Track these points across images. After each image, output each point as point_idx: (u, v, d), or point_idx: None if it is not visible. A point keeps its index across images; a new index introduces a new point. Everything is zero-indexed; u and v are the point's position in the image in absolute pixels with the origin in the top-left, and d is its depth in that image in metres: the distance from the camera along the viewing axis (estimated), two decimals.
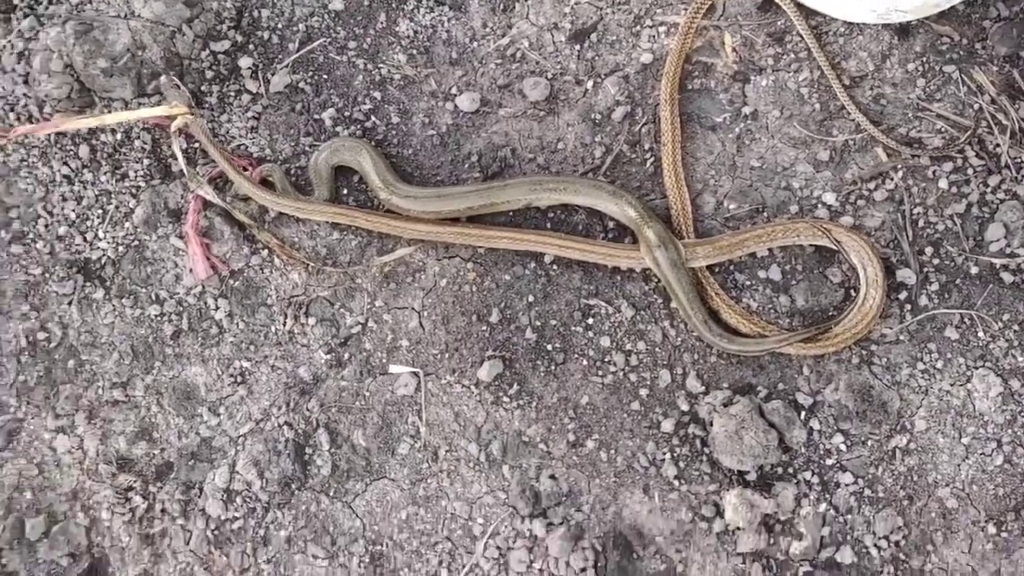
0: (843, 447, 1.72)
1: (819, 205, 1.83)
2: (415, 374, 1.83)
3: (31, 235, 1.95)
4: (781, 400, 1.73)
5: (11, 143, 1.93)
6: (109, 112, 1.92)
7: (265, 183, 1.91)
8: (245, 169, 1.90)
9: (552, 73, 1.95)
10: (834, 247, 1.74)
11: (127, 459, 1.84)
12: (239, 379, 1.86)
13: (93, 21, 1.91)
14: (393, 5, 2.01)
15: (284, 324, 1.87)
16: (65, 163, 1.95)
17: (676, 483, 1.73)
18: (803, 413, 1.73)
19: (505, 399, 1.80)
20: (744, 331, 1.74)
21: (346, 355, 1.85)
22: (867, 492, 1.69)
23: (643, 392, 1.78)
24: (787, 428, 1.69)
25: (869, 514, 1.68)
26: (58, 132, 1.93)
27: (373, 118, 1.97)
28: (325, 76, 1.99)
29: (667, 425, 1.75)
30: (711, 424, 1.72)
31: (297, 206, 1.86)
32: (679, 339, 1.80)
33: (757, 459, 1.66)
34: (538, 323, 1.83)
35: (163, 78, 1.88)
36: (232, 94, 1.97)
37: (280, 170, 1.91)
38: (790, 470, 1.72)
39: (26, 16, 2.02)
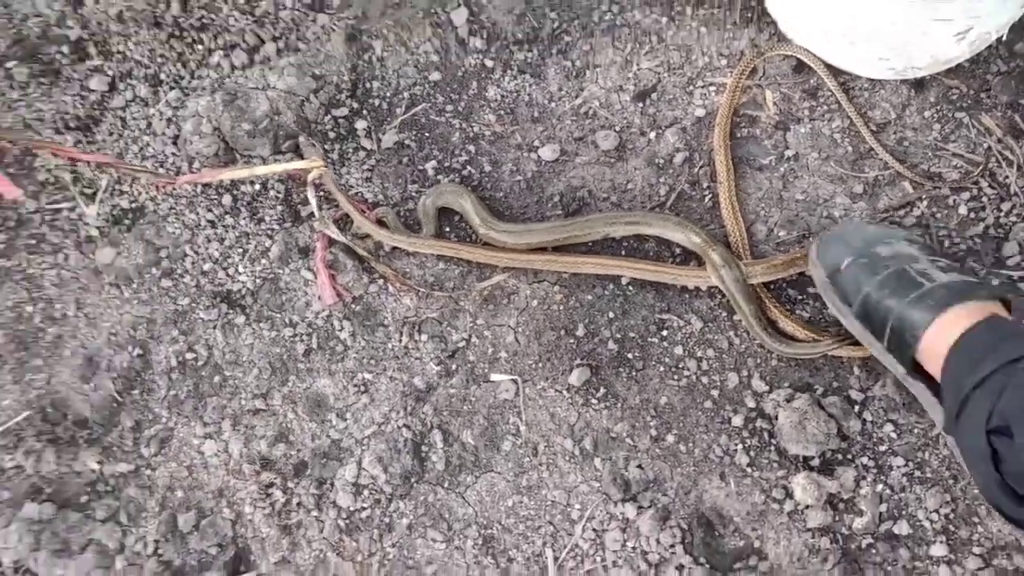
0: (893, 435, 1.98)
1: None
2: (514, 381, 2.12)
3: (179, 271, 2.29)
4: (837, 396, 2.00)
5: (175, 188, 2.28)
6: (254, 166, 2.28)
7: (381, 223, 2.24)
8: (364, 212, 2.24)
9: (620, 127, 2.31)
10: None
11: (268, 460, 2.12)
12: (362, 389, 2.15)
13: (237, 91, 2.29)
14: (482, 75, 2.39)
15: (400, 341, 2.17)
16: (209, 210, 2.30)
17: (748, 470, 1.99)
18: (856, 406, 2.00)
19: (594, 401, 2.09)
20: (800, 337, 2.03)
21: (454, 366, 2.15)
22: (917, 473, 1.95)
23: (714, 393, 2.06)
24: (844, 419, 1.96)
25: (920, 492, 1.93)
26: (205, 183, 2.29)
27: (469, 167, 2.31)
28: (427, 134, 2.35)
29: (737, 420, 2.02)
30: (776, 418, 1.99)
31: (409, 242, 2.19)
32: (743, 346, 2.09)
33: (820, 445, 1.92)
34: (618, 335, 2.13)
35: (302, 138, 2.25)
36: (350, 151, 2.33)
37: (393, 213, 2.24)
38: (849, 455, 1.98)
39: (172, 89, 2.42)
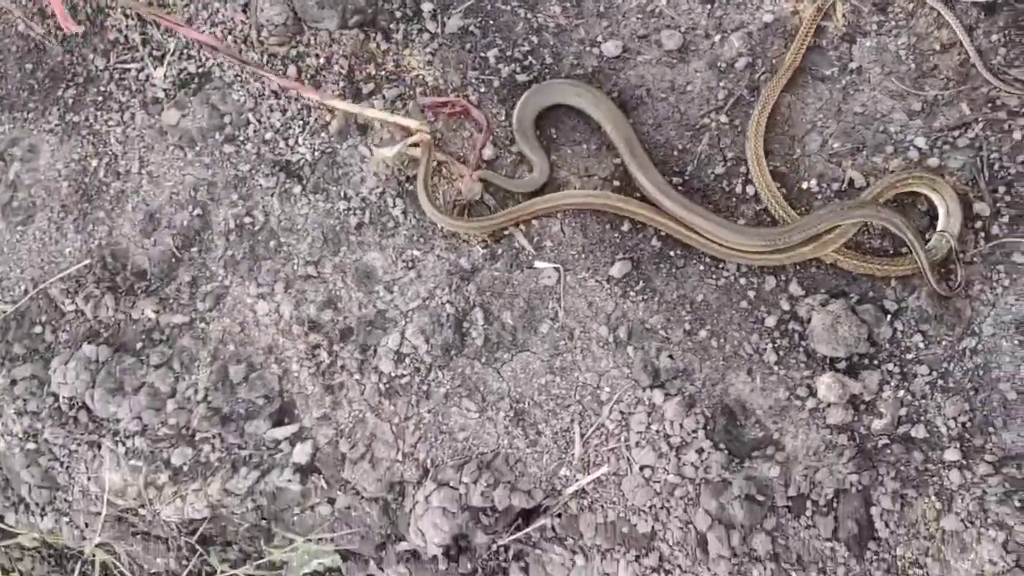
0: (921, 345, 2.04)
1: (911, 147, 2.15)
2: (556, 269, 2.19)
3: (241, 138, 2.36)
4: (871, 304, 2.05)
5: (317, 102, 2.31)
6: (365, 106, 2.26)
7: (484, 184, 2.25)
8: (477, 164, 2.21)
9: (685, 27, 2.31)
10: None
11: (316, 323, 2.23)
12: (410, 265, 2.23)
13: None
14: None
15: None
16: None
17: (775, 368, 2.06)
18: (889, 315, 2.05)
19: (632, 293, 2.15)
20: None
21: (499, 250, 2.22)
22: (940, 382, 2.01)
23: (751, 294, 2.12)
24: (876, 325, 2.02)
25: (940, 400, 1.99)
26: (322, 104, 2.29)
27: (530, 58, 2.34)
28: (491, 21, 2.36)
29: (770, 321, 2.09)
30: (809, 320, 2.05)
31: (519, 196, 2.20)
32: None
33: (849, 348, 1.99)
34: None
35: (412, 103, 2.25)
36: (415, 32, 2.36)
37: (495, 174, 2.23)
38: (875, 361, 2.04)
39: None
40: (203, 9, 2.43)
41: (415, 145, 2.20)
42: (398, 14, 2.36)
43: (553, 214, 2.20)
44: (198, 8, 2.43)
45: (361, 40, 2.35)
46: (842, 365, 2.03)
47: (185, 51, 2.42)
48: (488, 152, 2.26)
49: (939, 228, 2.04)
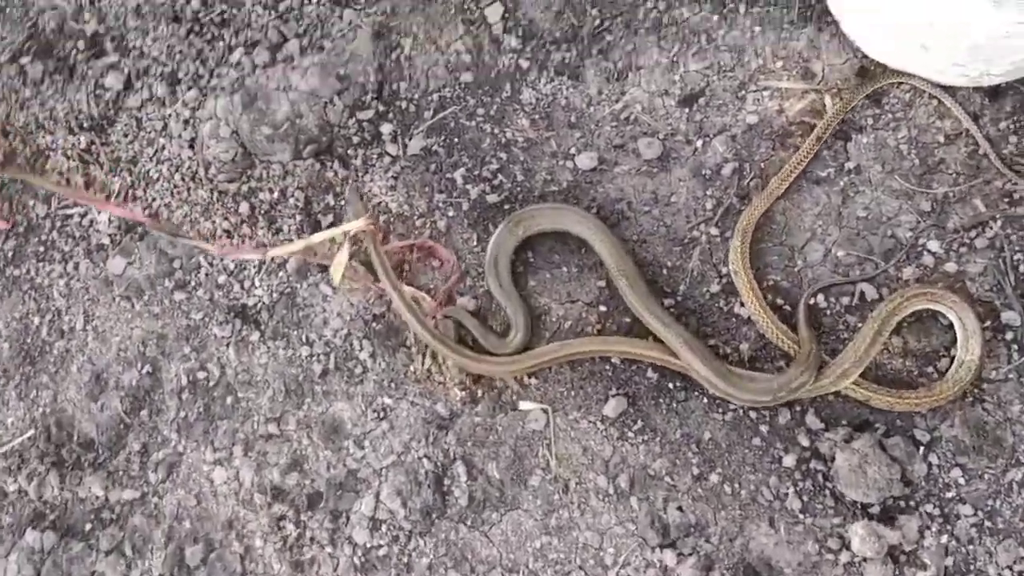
0: (961, 480, 1.79)
1: (924, 252, 1.95)
2: (544, 410, 1.96)
3: (192, 283, 2.16)
4: (900, 436, 1.82)
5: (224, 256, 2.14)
6: (308, 237, 2.07)
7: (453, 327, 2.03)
8: (443, 304, 2.03)
9: (664, 134, 2.13)
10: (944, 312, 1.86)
11: (280, 489, 2.00)
12: (382, 415, 2.01)
13: (257, 92, 2.16)
14: (517, 76, 2.22)
15: (422, 364, 2.03)
16: (226, 218, 2.17)
17: (801, 516, 1.81)
18: (922, 449, 1.82)
19: (630, 434, 1.92)
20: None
21: (480, 392, 2.00)
22: (987, 524, 1.76)
23: (763, 428, 1.89)
24: (908, 462, 1.78)
25: (991, 545, 1.74)
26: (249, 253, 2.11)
27: (500, 176, 2.16)
28: (456, 140, 2.19)
29: (789, 460, 1.85)
30: (833, 459, 1.81)
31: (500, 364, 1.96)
32: None
33: (881, 492, 1.75)
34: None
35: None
36: (375, 157, 2.19)
37: (468, 316, 2.01)
38: (912, 503, 1.79)
39: (190, 88, 2.29)
40: (147, 146, 2.27)
41: (358, 243, 2.01)
42: (355, 139, 2.19)
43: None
44: (142, 145, 2.27)
45: (317, 170, 2.18)
46: (875, 510, 1.79)
47: (131, 191, 2.25)
48: (468, 304, 2.05)
49: (957, 356, 1.82)
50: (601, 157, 2.14)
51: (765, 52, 2.15)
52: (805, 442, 1.86)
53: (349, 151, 2.19)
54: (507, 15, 2.26)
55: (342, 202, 2.14)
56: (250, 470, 2.01)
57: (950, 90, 2.05)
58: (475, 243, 2.11)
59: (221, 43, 2.31)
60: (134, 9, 2.37)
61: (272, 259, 2.11)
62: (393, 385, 2.03)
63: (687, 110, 2.15)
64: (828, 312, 1.95)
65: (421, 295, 2.04)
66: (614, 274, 1.99)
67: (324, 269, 2.11)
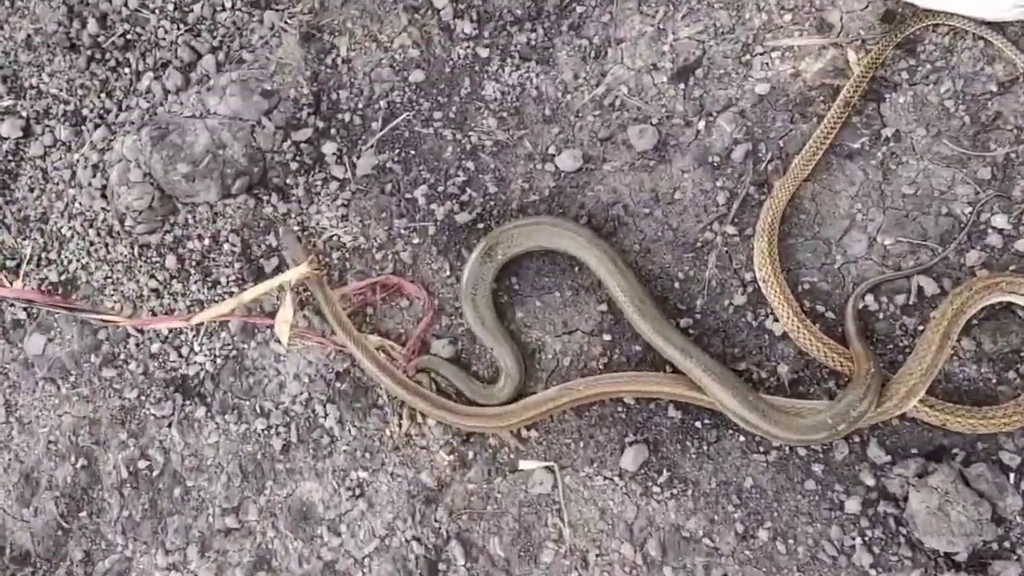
0: None
1: (990, 230, 1.60)
2: (549, 468, 1.64)
3: (122, 356, 1.84)
4: (984, 463, 1.48)
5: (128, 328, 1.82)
6: (241, 294, 1.77)
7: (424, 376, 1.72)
8: (417, 351, 1.72)
9: (657, 118, 1.78)
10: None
11: None
12: (357, 492, 1.69)
13: (168, 124, 1.82)
14: (476, 68, 1.87)
15: (399, 426, 1.70)
16: (152, 276, 1.85)
17: (873, 573, 1.48)
18: (1012, 475, 1.48)
19: (655, 489, 1.60)
20: None
21: (470, 453, 1.68)
22: None
23: (816, 468, 1.55)
24: (999, 496, 1.45)
25: None
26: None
27: (469, 190, 1.82)
28: (413, 152, 1.85)
29: (852, 505, 1.52)
30: (906, 500, 1.48)
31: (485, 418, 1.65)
32: None
33: (970, 537, 1.41)
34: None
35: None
36: (319, 183, 1.85)
37: (446, 364, 1.71)
38: (1007, 544, 1.46)
39: (97, 127, 1.95)
40: (56, 200, 1.93)
41: (302, 289, 1.69)
42: (294, 165, 1.85)
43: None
44: (51, 199, 1.94)
45: (252, 207, 1.84)
46: (962, 557, 1.45)
47: (44, 255, 1.92)
48: (444, 348, 1.72)
49: None
50: (586, 154, 1.79)
51: (769, 4, 1.78)
52: (870, 481, 1.52)
53: (288, 180, 1.85)
54: None
55: (281, 251, 1.80)
56: (209, 573, 1.70)
57: (998, 27, 1.68)
58: (448, 273, 1.78)
59: (127, 69, 1.97)
60: (24, 41, 2.03)
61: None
62: (368, 455, 1.71)
63: (682, 86, 1.79)
64: (881, 315, 1.61)
65: (389, 344, 1.72)
66: (616, 295, 1.65)
67: (273, 325, 1.78)
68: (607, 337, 1.70)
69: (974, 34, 1.69)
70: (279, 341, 1.69)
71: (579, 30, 1.85)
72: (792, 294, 1.61)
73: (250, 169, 1.82)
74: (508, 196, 1.81)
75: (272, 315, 1.75)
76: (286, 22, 1.94)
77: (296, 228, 1.82)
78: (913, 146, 1.67)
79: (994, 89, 1.66)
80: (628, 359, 1.68)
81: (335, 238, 1.82)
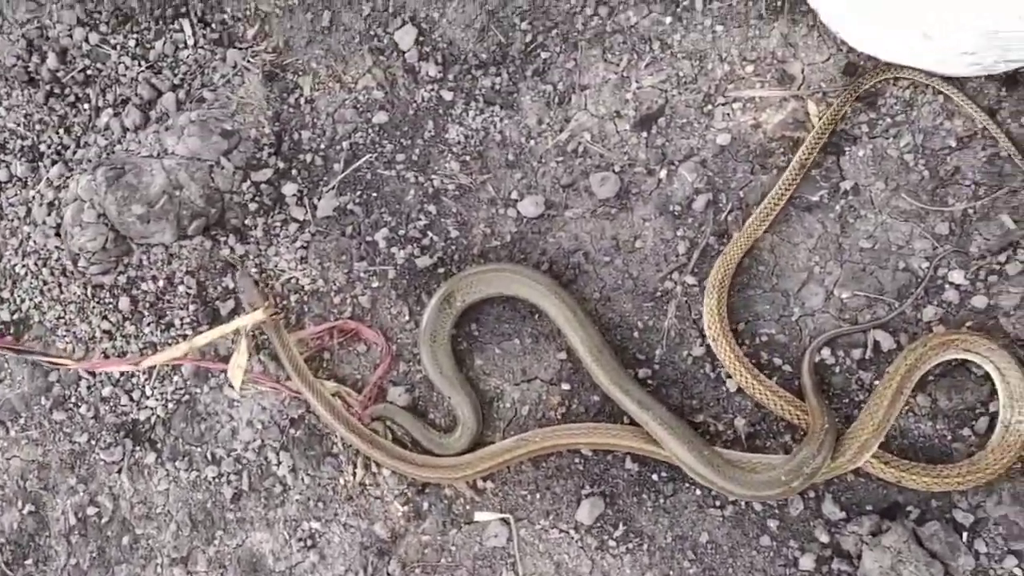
0: (1018, 571, 1.46)
1: (946, 286, 1.61)
2: (505, 521, 1.62)
3: (73, 399, 1.80)
4: (938, 521, 1.48)
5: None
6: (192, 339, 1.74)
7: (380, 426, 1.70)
8: (373, 399, 1.70)
9: (620, 166, 1.78)
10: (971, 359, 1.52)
11: None
12: (309, 543, 1.66)
13: (124, 164, 1.79)
14: (440, 111, 1.86)
15: (354, 475, 1.67)
16: (105, 317, 1.81)
17: None
18: (966, 534, 1.48)
19: (611, 543, 1.58)
20: None
21: (425, 504, 1.65)
22: None
23: (772, 524, 1.54)
24: (951, 556, 1.44)
25: None
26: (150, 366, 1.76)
27: (430, 234, 1.80)
28: (374, 194, 1.84)
29: (807, 562, 1.51)
30: (859, 558, 1.47)
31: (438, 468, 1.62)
32: None
33: None
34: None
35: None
36: (278, 225, 1.83)
37: (402, 412, 1.68)
38: None
39: (54, 163, 1.93)
40: (11, 237, 1.90)
41: (258, 333, 1.67)
42: (253, 206, 1.83)
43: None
44: (4, 237, 1.90)
45: (208, 248, 1.82)
46: None
47: None
48: (401, 396, 1.70)
49: (1001, 417, 1.48)
50: (548, 200, 1.79)
51: (731, 55, 1.79)
52: (824, 538, 1.51)
53: (246, 221, 1.83)
54: (422, 38, 1.89)
55: (238, 294, 1.77)
56: None
57: (958, 82, 1.70)
58: (407, 318, 1.76)
59: (86, 105, 1.95)
60: None
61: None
62: (321, 505, 1.67)
63: (645, 134, 1.79)
64: (837, 369, 1.61)
65: (345, 390, 1.69)
66: (574, 344, 1.64)
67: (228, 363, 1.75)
68: (566, 386, 1.69)
69: (934, 89, 1.70)
70: (232, 386, 1.66)
71: (543, 76, 1.85)
72: (742, 354, 1.60)
73: (207, 210, 1.80)
74: (470, 241, 1.79)
75: (226, 359, 1.72)
76: (249, 61, 1.93)
77: (254, 270, 1.79)
78: (872, 200, 1.67)
79: (953, 144, 1.67)
80: (587, 409, 1.67)
81: (293, 280, 1.80)
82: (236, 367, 1.63)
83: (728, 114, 1.77)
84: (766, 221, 1.64)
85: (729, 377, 1.61)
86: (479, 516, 1.62)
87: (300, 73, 1.92)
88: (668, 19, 1.82)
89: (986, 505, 1.49)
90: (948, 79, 1.69)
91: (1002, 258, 1.60)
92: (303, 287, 1.79)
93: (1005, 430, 1.46)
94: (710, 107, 1.78)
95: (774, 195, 1.65)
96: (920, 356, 1.50)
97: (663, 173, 1.76)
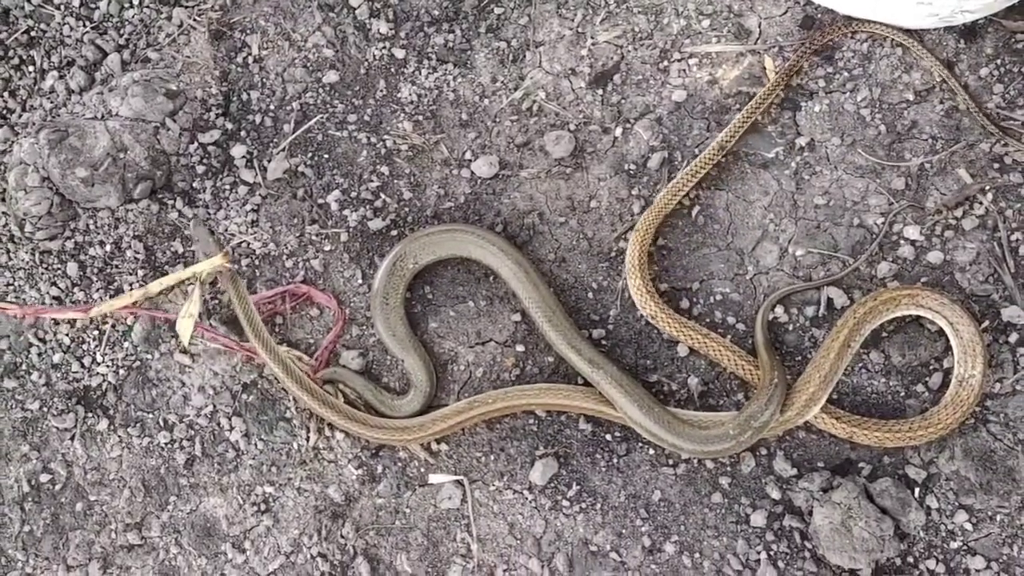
0: (968, 526, 1.46)
1: (902, 242, 1.59)
2: (459, 483, 1.61)
3: (24, 366, 1.78)
4: (890, 477, 1.48)
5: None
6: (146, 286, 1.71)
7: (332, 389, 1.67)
8: (326, 362, 1.67)
9: (575, 124, 1.75)
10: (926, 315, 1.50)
11: None
12: (263, 507, 1.65)
13: (68, 127, 1.75)
14: (392, 70, 1.82)
15: (307, 439, 1.66)
16: (53, 283, 1.78)
17: None
18: (917, 490, 1.48)
19: (564, 503, 1.57)
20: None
21: (379, 467, 1.64)
22: None
23: (724, 481, 1.54)
24: (902, 512, 1.44)
25: None
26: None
27: (383, 196, 1.77)
28: (326, 156, 1.80)
29: (758, 519, 1.51)
30: (811, 514, 1.47)
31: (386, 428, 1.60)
32: None
33: (872, 553, 1.41)
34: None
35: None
36: (227, 187, 1.79)
37: (355, 376, 1.66)
38: (910, 559, 1.46)
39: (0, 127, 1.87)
40: None
41: (211, 284, 1.66)
42: (200, 168, 1.79)
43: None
44: None
45: (156, 212, 1.78)
46: (865, 573, 1.45)
47: None
48: (354, 360, 1.68)
49: (955, 372, 1.47)
50: (503, 160, 1.75)
51: (688, 10, 1.75)
52: (776, 494, 1.51)
53: (194, 184, 1.79)
54: None
55: (192, 246, 1.74)
56: None
57: (916, 35, 1.67)
58: (360, 281, 1.73)
59: (31, 68, 1.89)
60: None
61: (102, 321, 1.72)
62: (274, 469, 1.66)
63: (600, 91, 1.75)
64: (791, 327, 1.60)
65: (297, 354, 1.67)
66: (528, 306, 1.62)
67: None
68: (520, 348, 1.67)
69: (892, 41, 1.67)
70: (180, 338, 1.64)
71: (497, 32, 1.81)
72: (675, 313, 1.57)
73: (153, 173, 1.76)
74: (423, 202, 1.76)
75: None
76: (195, 19, 1.87)
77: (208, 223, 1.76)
78: (828, 156, 1.65)
79: (911, 98, 1.65)
80: (541, 370, 1.66)
81: (244, 244, 1.76)
82: (186, 317, 1.60)
83: (684, 70, 1.73)
84: (676, 197, 1.61)
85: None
86: (433, 478, 1.61)
87: (248, 31, 1.86)
88: None
89: (938, 461, 1.49)
90: (907, 32, 1.66)
91: (958, 213, 1.58)
92: (254, 251, 1.76)
93: (959, 385, 1.46)
94: (666, 63, 1.74)
95: (705, 155, 1.62)
96: (869, 310, 1.49)
97: (618, 131, 1.73)
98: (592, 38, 1.77)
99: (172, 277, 1.67)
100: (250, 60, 1.85)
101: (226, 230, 1.77)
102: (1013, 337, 1.51)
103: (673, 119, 1.71)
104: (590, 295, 1.68)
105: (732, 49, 1.72)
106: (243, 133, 1.82)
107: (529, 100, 1.77)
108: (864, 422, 1.47)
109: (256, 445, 1.67)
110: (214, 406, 1.69)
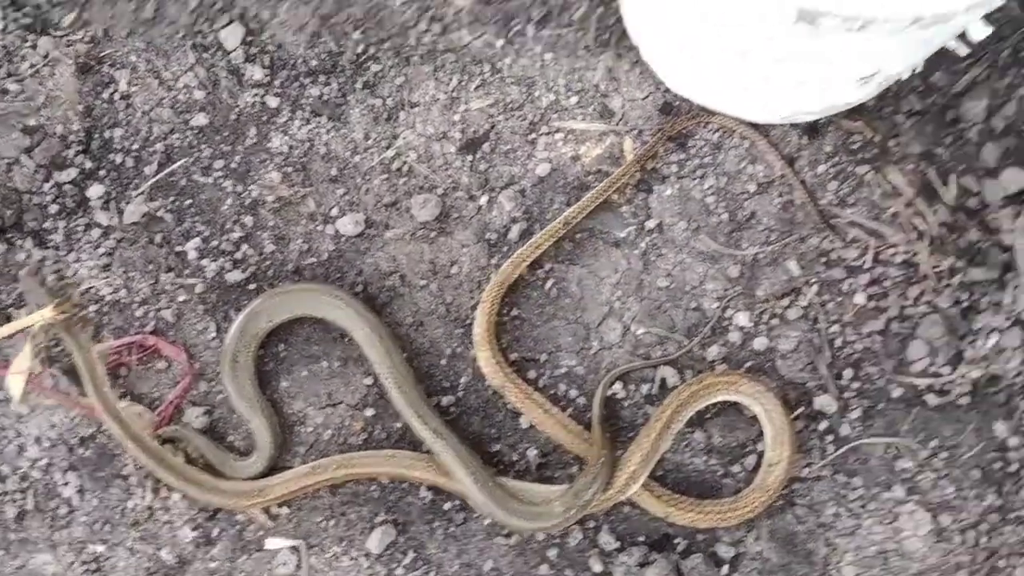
0: None
1: (731, 327, 1.69)
2: (295, 548, 1.62)
3: None
4: (701, 554, 1.57)
5: None
6: None
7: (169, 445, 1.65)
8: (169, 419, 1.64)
9: (443, 188, 1.78)
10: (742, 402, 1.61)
11: None
12: (94, 567, 1.62)
13: None
14: (264, 118, 1.81)
15: (143, 499, 1.63)
16: None
17: None
18: (725, 568, 1.57)
19: (399, 570, 1.61)
20: None
21: (216, 530, 1.63)
22: None
23: (551, 553, 1.60)
24: None
25: None
26: None
27: (244, 247, 1.76)
28: (188, 201, 1.77)
29: None
30: None
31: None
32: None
33: None
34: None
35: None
36: (80, 229, 1.75)
37: (196, 435, 1.64)
38: None
39: None
40: None
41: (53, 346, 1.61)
42: (53, 208, 1.74)
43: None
44: None
45: (3, 252, 1.72)
46: None
47: None
48: (198, 417, 1.67)
49: (765, 457, 1.58)
50: (369, 219, 1.77)
51: (558, 85, 1.81)
52: (598, 567, 1.58)
53: (46, 224, 1.74)
54: (250, 39, 1.83)
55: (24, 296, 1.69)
56: None
57: (763, 129, 1.77)
58: (213, 335, 1.72)
59: None
60: None
61: None
62: (108, 528, 1.63)
63: (470, 158, 1.79)
64: (627, 403, 1.67)
65: (139, 410, 1.64)
66: (379, 371, 1.65)
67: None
68: (370, 411, 1.69)
69: (740, 134, 1.77)
70: (11, 395, 1.59)
71: (374, 89, 1.82)
72: (529, 386, 1.64)
73: (2, 212, 1.70)
74: (285, 256, 1.76)
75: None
76: (63, 50, 1.82)
77: (53, 274, 1.71)
78: (674, 239, 1.74)
79: (752, 189, 1.75)
80: (389, 435, 1.68)
81: (93, 290, 1.72)
82: (16, 372, 1.55)
83: (550, 144, 1.79)
84: (517, 269, 1.66)
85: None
86: (270, 543, 1.62)
87: (117, 66, 1.82)
88: (500, 42, 1.82)
89: (746, 540, 1.59)
90: (754, 125, 1.76)
91: (784, 303, 1.69)
92: (103, 297, 1.72)
93: (768, 469, 1.56)
94: (534, 135, 1.80)
95: (550, 229, 1.67)
96: (691, 395, 1.57)
97: (484, 199, 1.77)
98: (465, 104, 1.81)
99: (11, 326, 1.62)
100: (116, 96, 1.80)
101: (76, 273, 1.73)
102: (823, 425, 1.62)
103: (536, 191, 1.77)
104: (443, 361, 1.72)
105: (596, 128, 1.79)
106: (103, 172, 1.77)
107: (400, 160, 1.79)
108: (680, 501, 1.56)
109: (90, 502, 1.64)
110: (50, 460, 1.65)
